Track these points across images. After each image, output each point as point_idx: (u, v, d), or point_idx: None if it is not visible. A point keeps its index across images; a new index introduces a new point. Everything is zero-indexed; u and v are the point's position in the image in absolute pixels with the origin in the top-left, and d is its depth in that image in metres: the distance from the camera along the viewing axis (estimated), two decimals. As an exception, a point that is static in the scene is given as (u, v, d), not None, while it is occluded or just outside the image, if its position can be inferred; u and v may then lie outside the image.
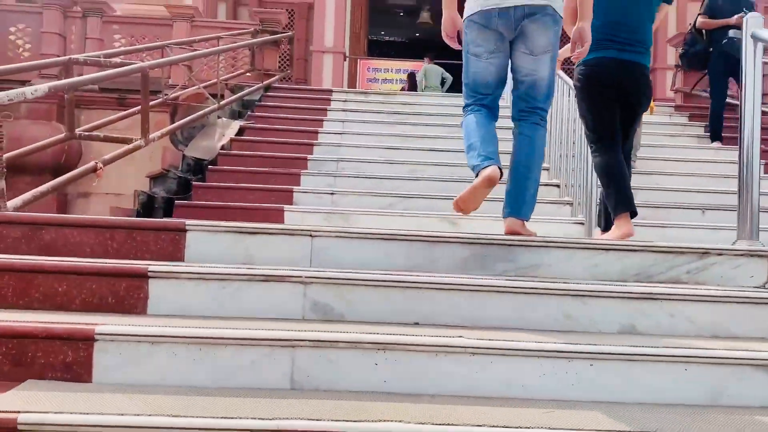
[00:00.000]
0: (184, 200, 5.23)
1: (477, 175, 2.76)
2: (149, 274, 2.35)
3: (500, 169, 2.76)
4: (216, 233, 2.74)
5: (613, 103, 3.50)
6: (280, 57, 8.82)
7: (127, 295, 2.35)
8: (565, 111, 5.09)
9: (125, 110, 8.05)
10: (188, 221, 2.77)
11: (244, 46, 7.44)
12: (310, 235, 2.75)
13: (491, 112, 2.96)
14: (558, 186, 5.44)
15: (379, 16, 17.54)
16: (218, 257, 2.71)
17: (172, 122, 6.08)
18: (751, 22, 3.02)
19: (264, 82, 7.52)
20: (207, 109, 5.91)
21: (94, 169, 3.64)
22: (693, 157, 6.39)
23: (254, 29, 8.29)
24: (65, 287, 2.33)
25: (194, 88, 6.23)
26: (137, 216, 5.16)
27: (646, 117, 7.20)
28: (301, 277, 2.37)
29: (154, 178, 5.52)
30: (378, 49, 18.08)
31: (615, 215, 3.39)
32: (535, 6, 2.77)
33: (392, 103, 7.52)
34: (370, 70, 14.13)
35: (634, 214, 3.41)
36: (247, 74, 8.33)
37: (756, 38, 2.96)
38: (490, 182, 2.71)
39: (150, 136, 4.46)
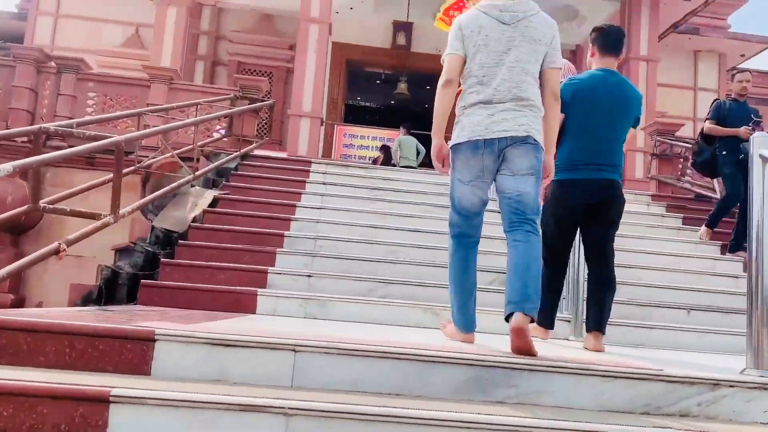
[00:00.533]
0: (150, 278, 4.93)
1: (462, 332, 3.23)
2: (111, 399, 2.06)
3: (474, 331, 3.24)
4: (188, 344, 2.46)
5: (575, 226, 3.76)
6: (258, 123, 8.63)
7: (83, 422, 2.04)
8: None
9: (94, 170, 7.81)
10: (158, 329, 2.49)
11: (223, 116, 7.25)
12: (294, 350, 2.48)
13: (474, 245, 3.22)
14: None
15: (357, 83, 17.65)
16: (190, 371, 2.43)
17: (144, 191, 5.80)
18: (758, 142, 2.92)
19: (241, 150, 7.32)
20: (180, 181, 5.65)
21: (57, 251, 3.34)
22: (673, 251, 6.31)
23: (233, 95, 8.13)
24: (11, 411, 2.03)
25: (167, 155, 5.98)
26: (99, 293, 4.83)
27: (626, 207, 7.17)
28: (283, 408, 2.09)
29: (120, 251, 5.21)
30: (354, 113, 18.15)
31: (548, 327, 3.84)
32: (516, 137, 3.01)
33: (373, 178, 7.38)
34: (346, 136, 14.06)
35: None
36: (224, 139, 8.13)
37: (764, 158, 2.85)
38: (469, 341, 3.18)
39: (120, 212, 4.18)
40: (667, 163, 8.68)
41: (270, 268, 5.00)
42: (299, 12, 13.76)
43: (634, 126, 3.85)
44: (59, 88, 8.21)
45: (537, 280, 2.93)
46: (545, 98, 3.16)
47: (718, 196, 7.62)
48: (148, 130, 5.44)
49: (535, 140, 3.04)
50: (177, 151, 6.38)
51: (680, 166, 8.70)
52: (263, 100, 8.24)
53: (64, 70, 8.22)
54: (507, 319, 2.89)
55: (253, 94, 8.26)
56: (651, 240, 6.45)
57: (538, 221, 3.09)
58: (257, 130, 8.70)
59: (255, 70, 15.68)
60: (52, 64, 8.28)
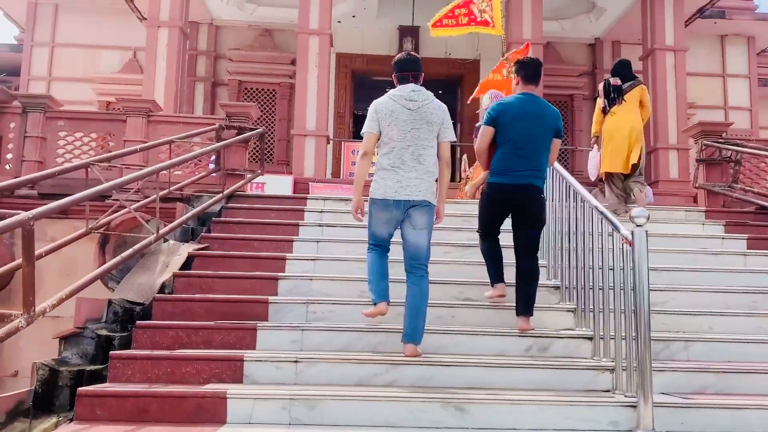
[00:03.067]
0: (98, 377, 3.86)
1: (374, 304, 4.08)
2: None
3: (387, 302, 4.09)
4: None
5: (502, 216, 4.55)
6: (250, 154, 7.55)
7: None
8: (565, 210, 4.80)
9: (67, 218, 6.77)
10: None
11: (205, 153, 6.16)
12: None
13: (385, 251, 4.19)
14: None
15: (365, 92, 16.51)
16: None
17: (102, 256, 4.74)
18: None
19: (225, 191, 6.21)
20: (142, 243, 4.57)
21: None
22: (747, 286, 5.09)
23: (219, 125, 7.06)
24: None
25: (124, 211, 4.91)
26: (35, 399, 3.76)
27: (676, 229, 5.97)
28: None
29: (66, 338, 4.14)
30: (362, 123, 16.98)
31: (493, 283, 4.59)
32: (417, 200, 4.00)
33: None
34: (354, 153, 12.93)
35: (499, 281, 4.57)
36: (214, 174, 7.06)
37: None
38: (380, 314, 4.06)
39: (39, 308, 3.09)
40: (715, 168, 7.42)
41: (247, 353, 3.89)
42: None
43: (557, 137, 4.51)
44: (26, 129, 7.20)
45: (424, 316, 4.00)
46: (439, 163, 4.14)
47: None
48: (106, 184, 4.37)
49: (428, 202, 4.05)
50: (148, 199, 5.34)
51: (731, 171, 7.44)
52: (253, 128, 7.15)
53: (30, 108, 7.21)
54: (404, 342, 3.95)
55: (241, 122, 7.18)
56: (715, 273, 5.23)
57: (428, 264, 4.11)
58: (250, 159, 7.59)
59: (256, 89, 14.64)
60: (17, 103, 7.28)
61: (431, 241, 4.15)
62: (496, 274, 4.58)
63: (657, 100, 12.82)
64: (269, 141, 14.49)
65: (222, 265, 5.09)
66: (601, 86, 6.93)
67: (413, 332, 3.92)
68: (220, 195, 6.07)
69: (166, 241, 5.27)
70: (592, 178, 7.39)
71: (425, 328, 4.08)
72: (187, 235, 5.69)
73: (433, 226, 4.16)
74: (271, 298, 4.52)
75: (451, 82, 15.04)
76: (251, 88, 14.62)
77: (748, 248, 5.85)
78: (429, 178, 4.01)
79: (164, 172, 5.42)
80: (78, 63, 15.32)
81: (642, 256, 3.53)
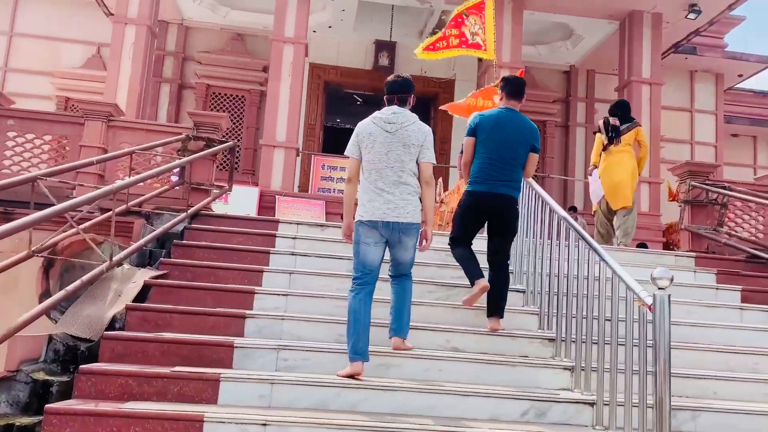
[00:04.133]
0: (32, 430, 3.24)
1: (350, 360, 3.78)
2: None
3: (364, 361, 3.79)
4: None
5: (477, 224, 4.66)
6: (218, 166, 6.95)
7: None
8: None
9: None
10: None
11: (170, 169, 5.54)
12: None
13: (371, 292, 3.98)
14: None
15: (337, 105, 16.00)
16: None
17: (46, 281, 4.11)
18: None
19: (189, 209, 5.61)
20: (92, 273, 3.96)
21: None
22: (747, 345, 4.74)
23: (186, 135, 6.44)
24: None
25: (73, 231, 4.28)
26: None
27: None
28: None
29: (-5, 383, 3.50)
30: (335, 137, 16.36)
31: (472, 283, 4.47)
32: (405, 223, 3.99)
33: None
34: (324, 168, 12.40)
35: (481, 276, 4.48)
36: (178, 187, 6.44)
37: None
38: (355, 374, 3.71)
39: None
40: (701, 210, 7.13)
41: (209, 411, 3.31)
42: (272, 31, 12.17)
43: (534, 151, 4.63)
44: (-30, 128, 6.48)
45: (409, 312, 4.10)
46: (420, 184, 4.07)
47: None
48: (48, 210, 3.75)
49: (416, 224, 4.03)
50: (108, 213, 4.71)
51: (717, 214, 7.15)
52: (222, 141, 6.55)
53: (-24, 105, 6.49)
54: (390, 337, 4.05)
55: (209, 133, 6.58)
56: (712, 329, 4.86)
57: (412, 270, 4.16)
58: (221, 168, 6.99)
59: (225, 94, 13.98)
60: (-39, 98, 6.55)
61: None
62: (475, 272, 4.52)
63: (631, 132, 12.65)
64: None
65: (182, 297, 4.49)
66: (601, 123, 7.11)
67: (399, 327, 4.03)
68: (184, 215, 5.46)
69: (120, 265, 4.65)
70: (595, 203, 7.41)
71: (412, 381, 3.78)
72: (145, 258, 5.07)
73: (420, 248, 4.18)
74: (237, 341, 3.95)
75: (425, 101, 14.63)
76: (220, 93, 13.95)
77: (742, 301, 5.52)
78: (413, 200, 4.01)
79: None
80: (37, 55, 14.41)
81: (664, 326, 3.13)
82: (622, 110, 7.03)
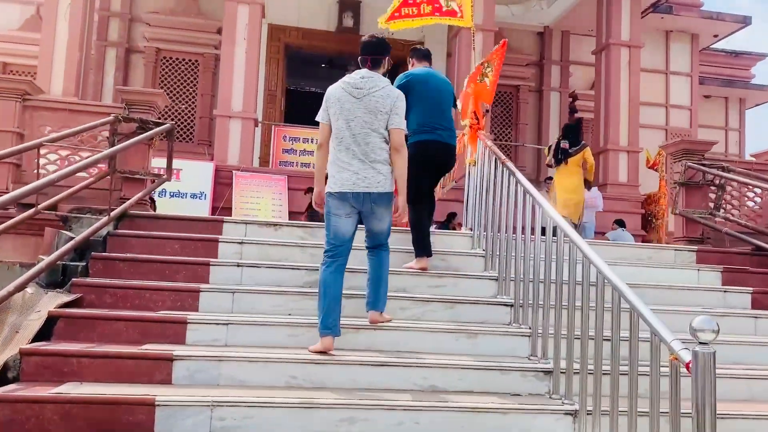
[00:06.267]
0: None
1: (320, 335, 3.59)
2: None
3: (335, 336, 3.60)
4: None
5: (427, 176, 4.77)
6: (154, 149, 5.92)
7: None
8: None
9: None
10: None
11: (93, 163, 4.49)
12: None
13: (343, 265, 3.76)
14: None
15: (299, 68, 14.84)
16: None
17: None
18: None
19: (114, 211, 4.61)
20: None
21: None
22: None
23: (115, 117, 5.40)
24: None
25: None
26: None
27: (669, 276, 4.91)
28: None
29: None
30: (298, 101, 15.20)
31: (416, 256, 4.62)
32: (376, 193, 3.75)
33: (321, 246, 4.79)
34: (286, 139, 11.35)
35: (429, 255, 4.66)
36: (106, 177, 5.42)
37: None
38: (326, 349, 3.54)
39: None
40: (696, 192, 6.37)
41: None
42: (224, -10, 10.95)
43: (454, 106, 5.11)
44: None
45: (386, 285, 3.88)
46: (391, 152, 3.85)
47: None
48: None
49: (388, 192, 3.83)
50: (9, 222, 3.74)
51: (713, 196, 6.41)
52: (159, 121, 5.54)
53: None
54: (367, 310, 3.86)
55: (143, 112, 5.56)
56: (728, 347, 4.12)
57: (388, 240, 3.94)
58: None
59: (177, 59, 12.73)
60: None
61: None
62: (424, 246, 4.62)
63: (609, 98, 11.82)
64: (189, 118, 12.70)
65: (97, 332, 3.56)
66: (553, 144, 7.94)
67: (376, 300, 3.84)
68: (106, 218, 4.47)
69: (24, 288, 3.69)
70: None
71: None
72: (57, 275, 4.11)
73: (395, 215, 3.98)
74: (159, 398, 3.05)
75: (393, 66, 13.57)
76: (171, 58, 12.71)
77: (753, 306, 4.80)
78: (383, 168, 3.78)
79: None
80: (-31, 15, 12.96)
81: (706, 390, 2.34)
82: (572, 134, 7.85)
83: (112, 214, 4.53)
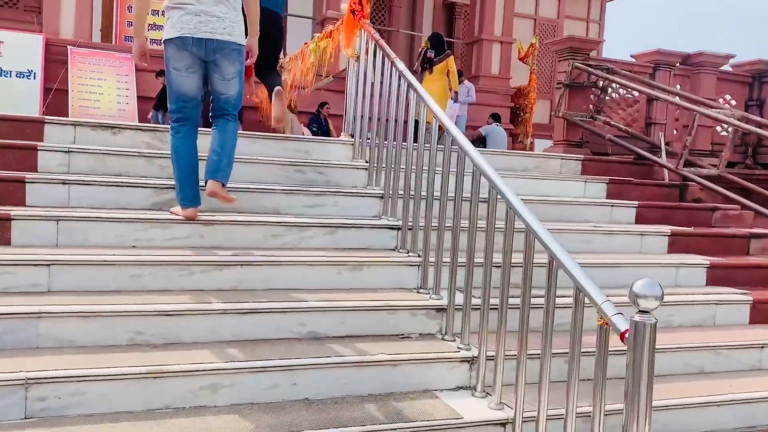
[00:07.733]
0: None
1: (181, 207, 3.29)
2: None
3: (196, 206, 3.28)
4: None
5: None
6: None
7: None
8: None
9: None
10: None
11: None
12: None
13: (194, 128, 3.36)
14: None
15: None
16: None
17: None
18: None
19: None
20: None
21: None
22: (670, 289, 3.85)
23: None
24: None
25: None
26: None
27: (556, 188, 4.63)
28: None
29: None
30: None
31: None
32: (222, 41, 3.26)
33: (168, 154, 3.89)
34: (132, 10, 9.73)
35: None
36: None
37: None
38: (190, 218, 3.25)
39: None
40: (578, 94, 6.05)
41: None
42: None
43: None
44: None
45: (230, 154, 3.35)
46: None
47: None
48: None
49: (237, 44, 3.34)
50: None
51: (593, 97, 6.13)
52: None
53: None
54: (206, 179, 3.29)
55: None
56: (622, 268, 3.89)
57: (238, 109, 3.46)
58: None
59: None
60: None
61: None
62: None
63: (486, -18, 11.21)
64: None
65: None
66: (420, 53, 8.09)
67: (216, 169, 3.31)
68: None
69: None
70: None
71: None
72: None
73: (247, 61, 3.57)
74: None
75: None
76: None
77: (637, 220, 4.65)
78: (234, 15, 3.34)
79: None
80: None
81: (643, 364, 1.98)
82: (437, 44, 7.90)
83: None
